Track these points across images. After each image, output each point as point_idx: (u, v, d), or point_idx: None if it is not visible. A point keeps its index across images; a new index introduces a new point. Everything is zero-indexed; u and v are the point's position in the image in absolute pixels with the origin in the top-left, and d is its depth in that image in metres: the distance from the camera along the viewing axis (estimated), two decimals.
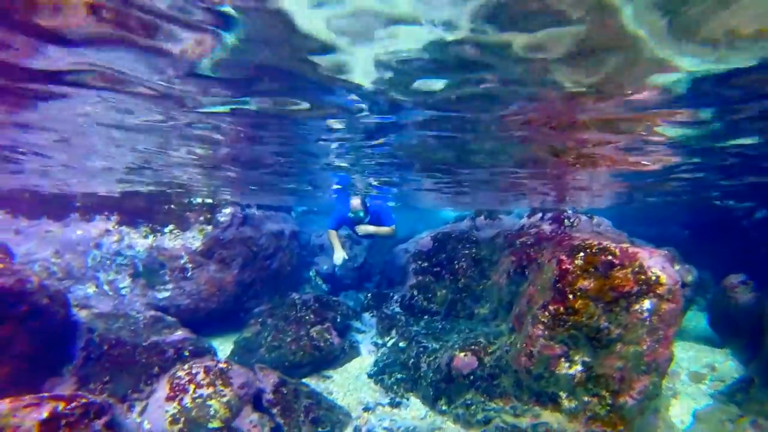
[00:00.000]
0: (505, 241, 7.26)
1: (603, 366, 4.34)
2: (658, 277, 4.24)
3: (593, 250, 4.53)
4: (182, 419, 4.53)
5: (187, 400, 4.67)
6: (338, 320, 7.18)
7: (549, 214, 7.55)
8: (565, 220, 7.18)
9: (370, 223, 7.50)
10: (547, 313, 4.56)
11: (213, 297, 7.46)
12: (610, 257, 4.43)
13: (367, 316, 8.08)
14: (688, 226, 12.91)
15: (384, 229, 7.51)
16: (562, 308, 4.47)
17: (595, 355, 4.38)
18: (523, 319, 5.13)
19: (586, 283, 4.41)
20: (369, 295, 8.44)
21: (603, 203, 11.30)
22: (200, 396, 4.69)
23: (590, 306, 4.35)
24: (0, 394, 3.88)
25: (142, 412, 5.16)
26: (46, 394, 3.64)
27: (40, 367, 5.10)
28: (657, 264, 4.35)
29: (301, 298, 7.46)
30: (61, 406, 3.54)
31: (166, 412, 4.61)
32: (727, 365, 6.03)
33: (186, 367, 5.02)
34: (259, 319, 7.35)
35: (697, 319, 8.02)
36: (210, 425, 4.52)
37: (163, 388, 4.87)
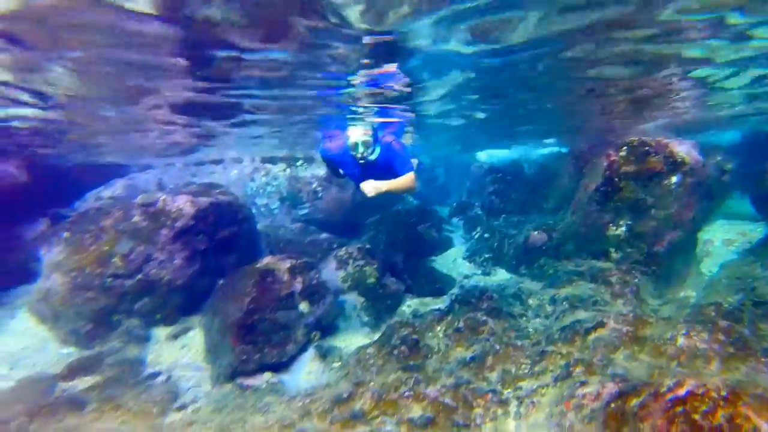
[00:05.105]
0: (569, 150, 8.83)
1: (641, 226, 6.10)
2: (683, 158, 5.81)
3: (634, 144, 6.13)
4: (349, 279, 6.99)
5: (350, 268, 7.10)
6: (435, 221, 9.35)
7: None
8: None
9: (378, 166, 5.04)
10: (598, 193, 6.32)
11: (338, 212, 9.87)
12: (647, 148, 6.02)
13: (455, 220, 10.20)
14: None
15: (400, 183, 4.79)
16: (609, 188, 6.20)
17: (635, 219, 6.13)
18: (580, 202, 6.91)
19: (628, 169, 6.07)
20: (455, 204, 10.51)
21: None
22: (358, 265, 7.10)
23: (631, 184, 6.05)
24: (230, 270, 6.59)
25: None
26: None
27: (249, 256, 7.77)
28: (684, 149, 5.89)
29: (404, 208, 9.68)
30: (294, 262, 6.02)
31: (338, 275, 7.10)
32: (758, 231, 7.44)
33: (343, 249, 7.45)
34: (373, 227, 9.70)
35: (745, 205, 9.22)
36: (368, 281, 6.95)
37: (331, 263, 7.35)
